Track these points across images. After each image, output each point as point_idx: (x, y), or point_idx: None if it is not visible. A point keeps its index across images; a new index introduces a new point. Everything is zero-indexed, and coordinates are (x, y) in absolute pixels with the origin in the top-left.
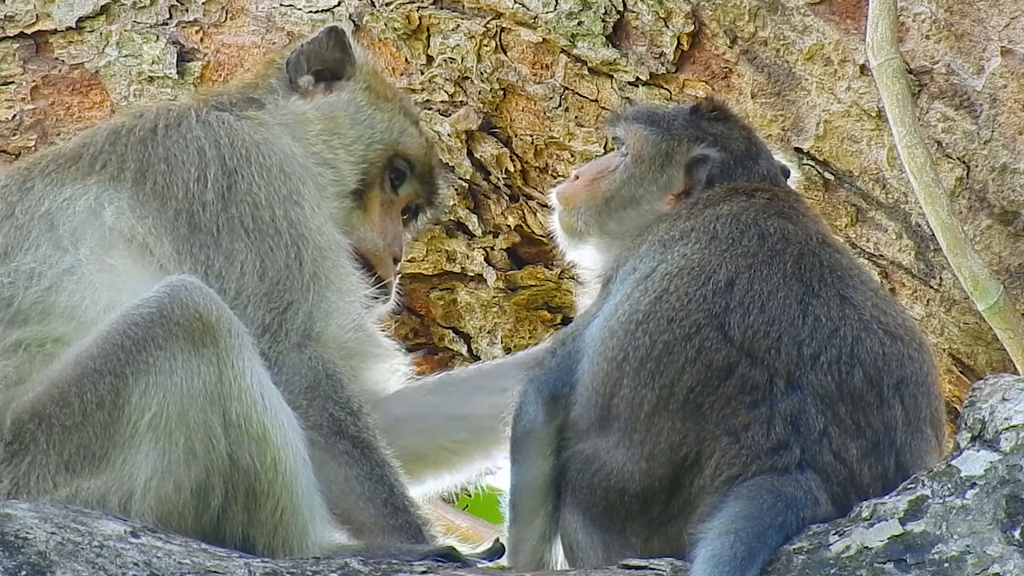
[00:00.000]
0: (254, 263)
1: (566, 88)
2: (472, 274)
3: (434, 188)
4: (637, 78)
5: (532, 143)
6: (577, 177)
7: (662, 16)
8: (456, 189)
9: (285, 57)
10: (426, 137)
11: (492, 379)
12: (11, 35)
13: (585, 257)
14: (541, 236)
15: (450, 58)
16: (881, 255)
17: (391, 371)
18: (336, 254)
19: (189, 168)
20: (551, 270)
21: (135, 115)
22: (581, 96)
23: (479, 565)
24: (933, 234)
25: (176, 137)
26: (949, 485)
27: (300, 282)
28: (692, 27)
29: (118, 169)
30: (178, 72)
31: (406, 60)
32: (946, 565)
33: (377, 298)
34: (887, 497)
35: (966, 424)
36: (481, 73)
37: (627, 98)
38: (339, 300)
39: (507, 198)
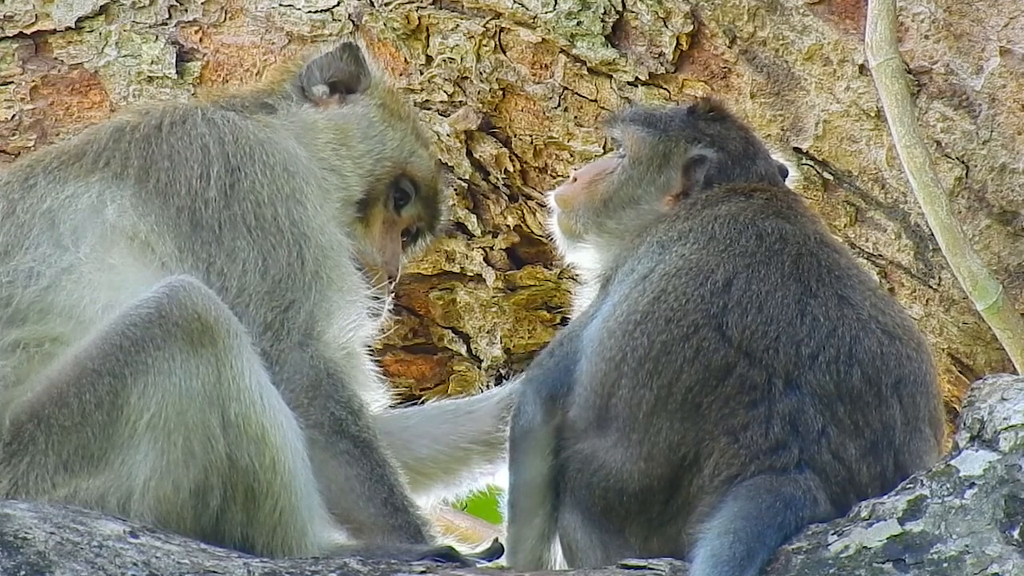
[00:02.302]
0: (256, 261)
1: (565, 88)
2: (471, 274)
3: (437, 214)
4: (636, 78)
5: (531, 143)
6: (575, 179)
7: (661, 16)
8: (455, 189)
9: (300, 66)
10: (435, 162)
11: (458, 406)
12: (10, 35)
13: (585, 258)
14: (540, 236)
15: (449, 58)
16: (880, 255)
17: (369, 401)
18: (338, 253)
19: (192, 165)
20: (550, 270)
21: (140, 112)
22: (580, 96)
23: (478, 565)
24: (932, 234)
25: (181, 134)
26: (948, 485)
27: (302, 281)
28: (691, 27)
29: (121, 166)
30: (177, 72)
31: (405, 60)
32: (945, 565)
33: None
34: (886, 497)
35: (965, 424)
36: (480, 73)
37: (626, 98)
38: (341, 299)
39: (506, 198)
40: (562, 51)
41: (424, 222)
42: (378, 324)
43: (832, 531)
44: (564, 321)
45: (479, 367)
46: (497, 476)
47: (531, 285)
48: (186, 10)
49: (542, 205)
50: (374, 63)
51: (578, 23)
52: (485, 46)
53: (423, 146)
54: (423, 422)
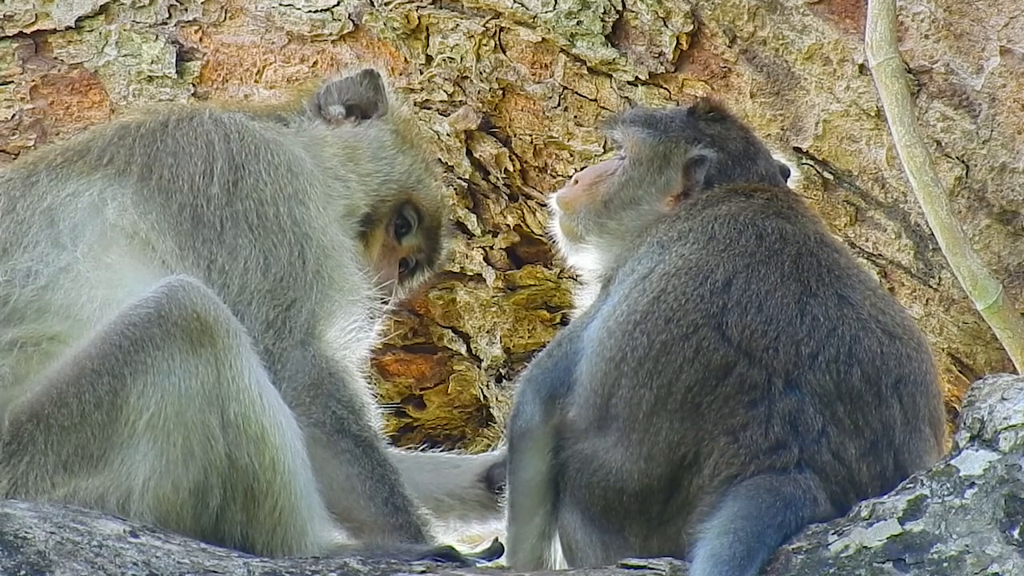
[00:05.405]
0: (257, 259)
1: (565, 88)
2: (471, 273)
3: (436, 247)
4: (636, 78)
5: (531, 143)
6: (576, 181)
7: (661, 16)
8: (455, 188)
9: (319, 86)
10: (441, 194)
11: (448, 460)
12: (10, 35)
13: (586, 259)
14: (540, 236)
15: (449, 57)
16: (880, 254)
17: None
18: (340, 254)
19: (196, 161)
20: (550, 270)
21: (147, 111)
22: (580, 96)
23: (478, 565)
24: (932, 233)
25: (186, 130)
26: (948, 485)
27: (304, 280)
28: (691, 27)
29: (125, 163)
30: (177, 72)
31: (405, 60)
32: (945, 565)
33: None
34: (886, 497)
35: (965, 424)
36: (480, 73)
37: (626, 98)
38: (342, 299)
39: (506, 198)
40: (562, 51)
41: (423, 254)
42: (377, 329)
43: (832, 531)
44: (564, 321)
45: (479, 367)
46: (472, 531)
47: (531, 285)
48: (186, 10)
49: (542, 205)
50: (393, 91)
51: (578, 23)
52: (485, 46)
53: (432, 177)
54: (412, 467)
